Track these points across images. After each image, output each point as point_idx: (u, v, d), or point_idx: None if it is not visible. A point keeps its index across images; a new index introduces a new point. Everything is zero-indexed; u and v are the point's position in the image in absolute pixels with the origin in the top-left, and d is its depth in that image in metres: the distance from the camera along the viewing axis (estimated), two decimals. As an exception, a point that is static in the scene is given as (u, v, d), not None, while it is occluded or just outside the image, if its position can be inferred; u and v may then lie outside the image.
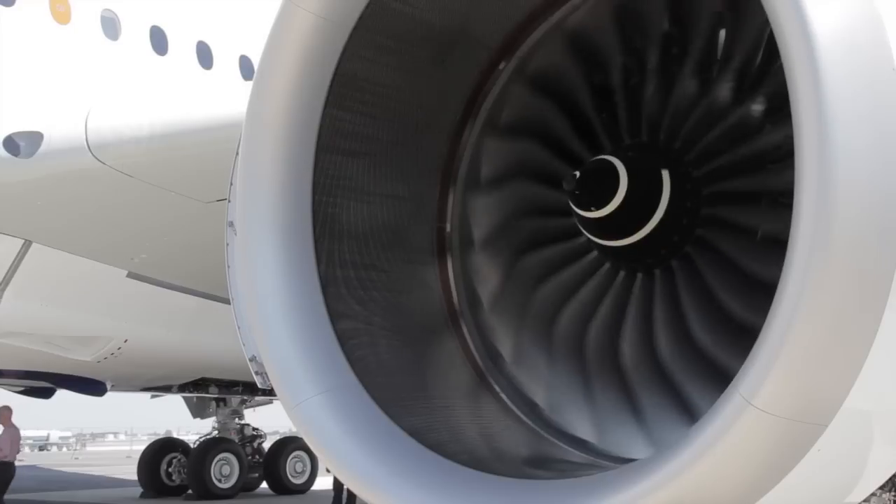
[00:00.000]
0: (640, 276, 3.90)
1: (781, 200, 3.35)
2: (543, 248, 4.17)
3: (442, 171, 4.31)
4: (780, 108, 3.54)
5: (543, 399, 4.05)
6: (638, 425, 3.82)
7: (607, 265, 3.99)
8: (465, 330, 4.26)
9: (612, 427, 3.85)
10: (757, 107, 3.64)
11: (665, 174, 3.61)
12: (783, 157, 3.47)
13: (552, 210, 4.09)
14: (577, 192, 3.61)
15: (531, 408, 4.04)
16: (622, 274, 3.96)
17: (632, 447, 3.73)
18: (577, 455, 3.80)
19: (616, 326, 3.95)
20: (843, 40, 2.62)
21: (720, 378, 3.50)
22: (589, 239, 3.87)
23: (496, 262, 4.31)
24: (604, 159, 3.64)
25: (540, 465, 3.89)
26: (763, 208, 3.60)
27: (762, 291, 3.22)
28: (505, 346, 4.19)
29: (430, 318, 4.24)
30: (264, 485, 19.04)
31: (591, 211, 3.59)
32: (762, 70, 3.62)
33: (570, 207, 3.70)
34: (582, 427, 3.91)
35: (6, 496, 14.55)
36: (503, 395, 4.10)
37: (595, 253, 3.99)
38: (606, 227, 3.66)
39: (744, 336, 3.41)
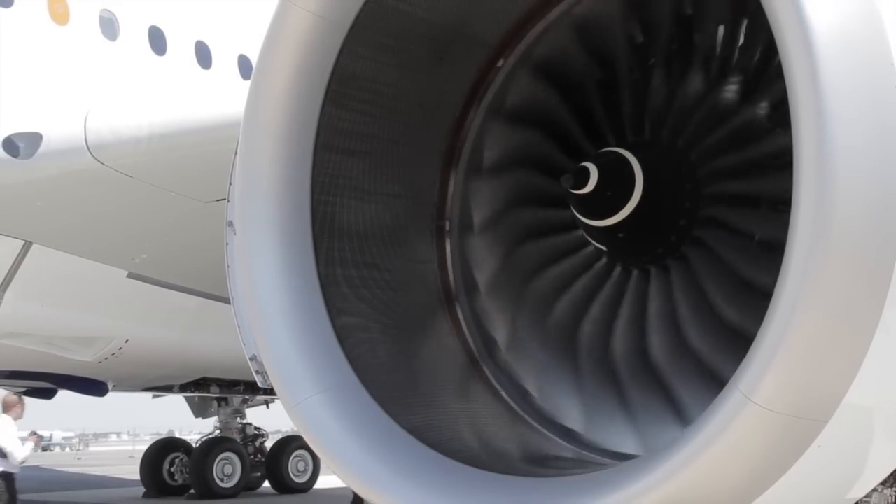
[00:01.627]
0: (635, 272, 3.91)
1: (781, 208, 3.36)
2: (542, 239, 4.19)
3: (441, 170, 4.31)
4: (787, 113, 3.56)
5: (535, 387, 4.08)
6: (626, 420, 3.85)
7: (604, 260, 4.00)
8: (464, 328, 4.26)
9: (601, 420, 3.88)
10: (763, 108, 3.64)
11: (635, 164, 3.62)
12: (786, 162, 3.48)
13: (551, 203, 4.10)
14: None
15: (522, 396, 4.07)
16: (618, 269, 3.97)
17: (619, 441, 3.77)
18: (565, 447, 3.82)
19: (609, 321, 3.97)
20: (841, 36, 2.62)
21: (710, 378, 3.53)
22: (582, 225, 3.88)
23: (497, 259, 4.31)
24: (584, 165, 3.68)
25: (539, 462, 3.89)
26: (762, 212, 3.61)
27: (755, 296, 3.23)
28: (500, 335, 4.20)
29: (430, 315, 4.24)
30: (266, 484, 19.06)
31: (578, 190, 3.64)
32: (771, 71, 3.61)
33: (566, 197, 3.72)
34: (571, 417, 3.94)
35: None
36: (496, 384, 4.12)
37: (591, 248, 4.00)
38: (590, 205, 3.69)
39: (734, 338, 3.44)
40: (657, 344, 3.84)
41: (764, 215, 3.59)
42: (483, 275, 4.29)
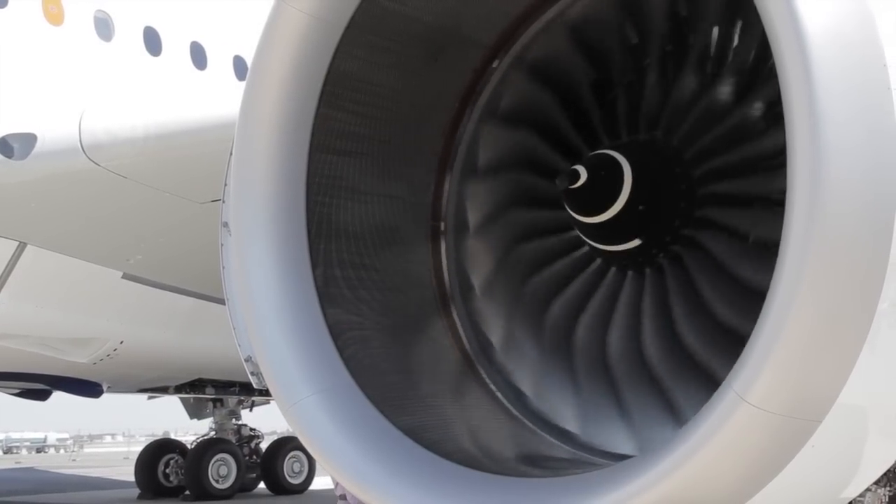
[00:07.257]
0: (630, 273, 3.92)
1: (774, 200, 3.36)
2: (537, 240, 4.20)
3: (436, 170, 4.31)
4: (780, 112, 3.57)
5: (530, 388, 4.06)
6: (622, 421, 3.84)
7: (599, 261, 4.01)
8: (459, 328, 4.26)
9: (597, 421, 3.88)
10: (757, 108, 3.64)
11: (625, 164, 3.62)
12: (780, 158, 3.48)
13: (546, 204, 4.10)
14: (573, 190, 3.65)
15: (518, 397, 4.06)
16: (613, 270, 3.97)
17: (616, 442, 3.76)
18: (561, 448, 3.82)
19: (605, 322, 3.97)
20: (834, 37, 2.63)
21: (705, 379, 3.53)
22: (576, 224, 3.88)
23: (492, 260, 4.31)
24: (586, 162, 3.68)
25: (534, 463, 3.90)
26: (756, 212, 3.61)
27: (750, 296, 3.24)
28: (495, 335, 4.20)
29: (425, 316, 4.24)
30: (262, 485, 19.06)
31: (590, 216, 3.61)
32: (766, 71, 3.61)
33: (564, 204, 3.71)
34: (567, 419, 3.94)
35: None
36: (491, 385, 4.11)
37: (587, 248, 4.00)
38: (604, 232, 3.68)
39: (730, 339, 3.44)
40: (651, 344, 3.84)
41: (758, 216, 3.59)
42: (478, 275, 4.29)
